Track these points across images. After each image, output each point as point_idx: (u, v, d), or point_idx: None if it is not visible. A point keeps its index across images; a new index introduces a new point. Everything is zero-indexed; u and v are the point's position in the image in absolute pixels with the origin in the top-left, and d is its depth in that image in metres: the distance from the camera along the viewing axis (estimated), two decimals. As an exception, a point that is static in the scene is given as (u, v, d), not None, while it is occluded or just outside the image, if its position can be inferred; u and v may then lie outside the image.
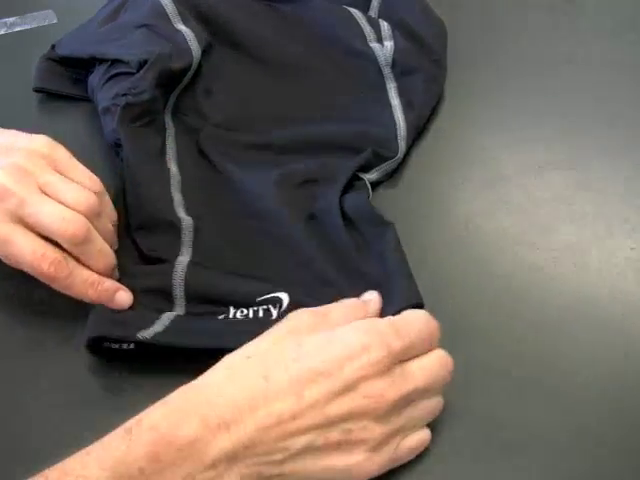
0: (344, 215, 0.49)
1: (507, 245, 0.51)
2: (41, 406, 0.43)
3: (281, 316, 0.44)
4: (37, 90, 0.60)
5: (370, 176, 0.54)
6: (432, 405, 0.41)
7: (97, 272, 0.45)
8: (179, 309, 0.45)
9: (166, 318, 0.44)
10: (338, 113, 0.57)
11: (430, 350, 0.41)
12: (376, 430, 0.38)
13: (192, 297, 0.45)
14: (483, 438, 0.42)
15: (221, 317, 0.45)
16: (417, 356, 0.40)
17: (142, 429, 0.35)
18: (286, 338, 0.39)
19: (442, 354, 0.41)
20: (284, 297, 0.45)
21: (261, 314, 0.45)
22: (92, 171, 0.48)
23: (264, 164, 0.53)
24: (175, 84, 0.56)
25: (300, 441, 0.36)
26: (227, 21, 0.60)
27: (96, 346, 0.43)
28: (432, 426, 0.42)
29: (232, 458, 0.35)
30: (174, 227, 0.49)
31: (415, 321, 0.40)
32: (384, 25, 0.60)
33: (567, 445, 0.42)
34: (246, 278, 0.47)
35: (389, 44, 0.59)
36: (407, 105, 0.57)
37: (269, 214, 0.50)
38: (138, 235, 0.49)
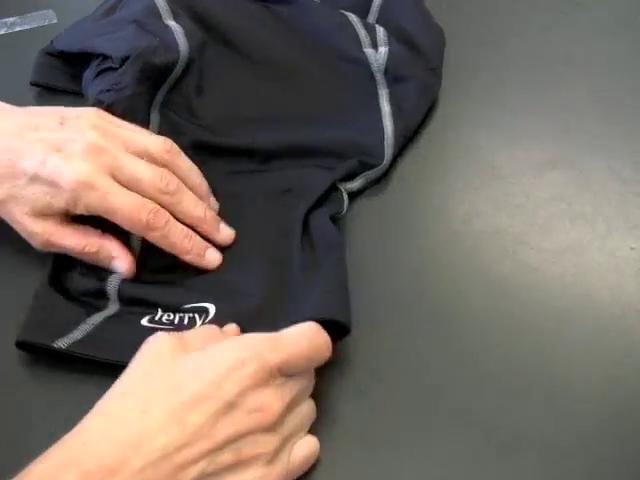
0: (307, 231, 0.49)
1: (507, 245, 0.51)
2: (41, 407, 0.43)
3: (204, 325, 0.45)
4: (34, 84, 0.60)
5: (353, 185, 0.54)
6: (309, 408, 0.41)
7: (200, 221, 0.48)
8: (112, 307, 0.46)
9: (90, 323, 0.45)
10: (326, 118, 0.57)
11: (316, 365, 0.41)
12: (267, 442, 0.37)
13: (124, 298, 0.46)
14: (483, 438, 0.42)
15: (147, 318, 0.45)
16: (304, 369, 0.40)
17: None
18: (155, 367, 0.38)
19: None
20: (211, 308, 0.45)
21: (186, 321, 0.45)
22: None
23: (243, 173, 0.54)
24: (162, 80, 0.56)
25: (192, 471, 0.35)
26: (222, 21, 0.60)
27: (28, 345, 0.44)
28: (432, 426, 0.42)
29: None
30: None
31: (298, 338, 0.40)
32: (380, 30, 0.60)
33: (567, 446, 0.42)
34: (177, 286, 0.48)
35: (383, 50, 0.59)
36: (397, 112, 0.57)
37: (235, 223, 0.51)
38: None
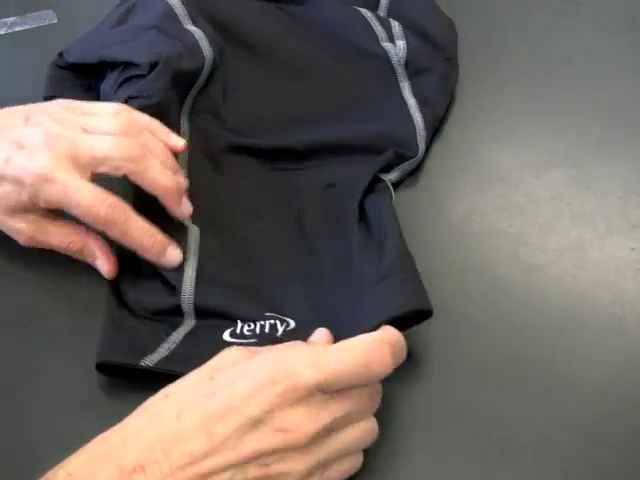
0: (364, 218, 0.49)
1: (507, 245, 0.51)
2: (41, 406, 0.43)
3: (286, 335, 0.44)
4: (48, 98, 0.59)
5: (390, 176, 0.54)
6: (361, 430, 0.39)
7: (165, 191, 0.47)
8: (189, 322, 0.45)
9: (172, 341, 0.44)
10: (355, 114, 0.57)
11: (367, 382, 0.39)
12: (298, 462, 0.36)
13: (201, 311, 0.45)
14: (483, 438, 0.42)
15: (228, 332, 0.44)
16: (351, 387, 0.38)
17: (58, 477, 0.34)
18: (206, 374, 0.38)
19: (378, 387, 0.40)
20: (292, 324, 0.45)
21: (267, 328, 0.44)
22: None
23: (281, 171, 0.54)
24: (190, 85, 0.56)
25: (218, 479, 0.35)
26: (237, 23, 0.60)
27: (107, 367, 0.43)
28: (432, 426, 0.42)
29: None
30: (180, 233, 0.48)
31: (347, 352, 0.38)
32: (395, 24, 0.60)
33: (567, 446, 0.42)
34: (253, 295, 0.46)
35: (401, 43, 0.59)
36: (423, 104, 0.57)
37: (278, 224, 0.50)
38: None
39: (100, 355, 0.43)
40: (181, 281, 0.46)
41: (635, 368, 0.45)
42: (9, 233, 0.47)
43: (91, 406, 0.43)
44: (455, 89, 0.60)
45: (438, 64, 0.59)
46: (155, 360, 0.42)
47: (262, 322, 0.44)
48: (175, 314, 0.46)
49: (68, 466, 0.34)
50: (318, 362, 0.37)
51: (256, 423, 0.36)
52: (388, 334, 0.40)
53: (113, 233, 0.46)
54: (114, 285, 0.47)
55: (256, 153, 0.55)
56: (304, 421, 0.36)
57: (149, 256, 0.46)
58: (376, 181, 0.52)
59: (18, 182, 0.44)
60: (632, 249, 0.51)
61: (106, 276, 0.47)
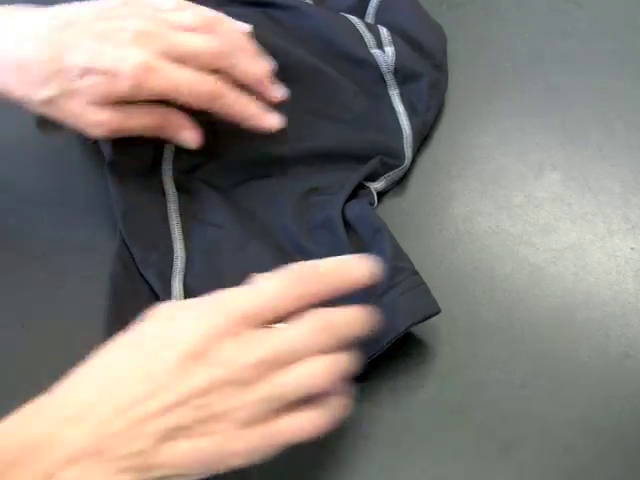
0: (347, 224, 0.49)
1: (507, 245, 0.51)
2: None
3: None
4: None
5: (377, 185, 0.53)
6: (310, 369, 0.37)
7: (257, 79, 0.49)
8: None
9: None
10: (343, 121, 0.56)
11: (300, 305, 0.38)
12: (239, 398, 0.35)
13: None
14: (483, 436, 0.42)
15: None
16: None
17: None
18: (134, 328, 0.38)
19: (326, 321, 0.38)
20: None
21: None
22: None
23: (267, 179, 0.53)
24: None
25: (158, 424, 0.34)
26: None
27: None
28: (432, 425, 0.42)
29: (94, 451, 0.34)
30: (167, 256, 0.49)
31: (280, 278, 0.38)
32: (383, 31, 0.59)
33: (567, 442, 0.42)
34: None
35: (390, 50, 0.58)
36: (412, 112, 0.57)
37: (272, 229, 0.50)
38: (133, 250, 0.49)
39: None
40: (169, 297, 0.46)
41: (635, 367, 0.45)
42: (85, 126, 0.47)
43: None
44: (454, 90, 0.60)
45: (426, 71, 0.58)
46: None
47: None
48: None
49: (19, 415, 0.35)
50: (251, 293, 0.37)
51: (193, 357, 0.35)
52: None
53: (220, 106, 0.48)
54: (113, 298, 0.47)
55: (233, 163, 0.54)
56: (240, 353, 0.36)
57: (252, 122, 0.49)
58: (359, 188, 0.52)
59: (110, 74, 0.45)
60: (632, 249, 0.51)
61: (193, 145, 0.49)
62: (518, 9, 0.66)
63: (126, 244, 0.49)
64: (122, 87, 0.45)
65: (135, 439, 0.34)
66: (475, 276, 0.49)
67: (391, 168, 0.54)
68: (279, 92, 0.51)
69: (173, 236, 0.50)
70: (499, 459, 0.41)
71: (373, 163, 0.53)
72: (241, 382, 0.35)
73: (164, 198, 0.51)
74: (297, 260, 0.41)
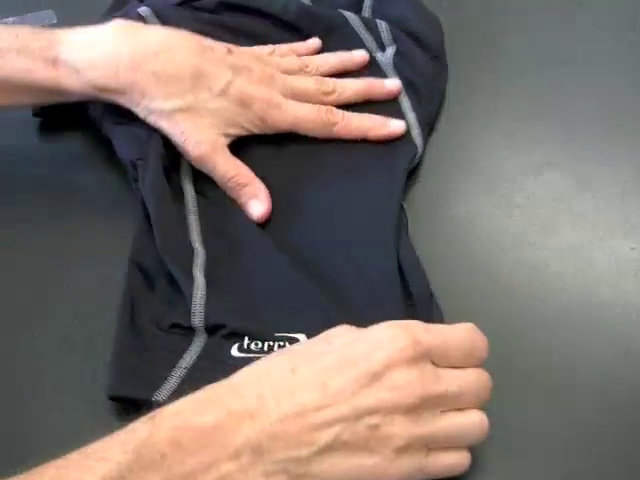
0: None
1: (507, 245, 0.51)
2: (41, 406, 0.43)
3: None
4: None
5: None
6: (470, 420, 0.38)
7: (359, 96, 0.56)
8: (199, 341, 0.45)
9: (183, 367, 0.43)
10: None
11: (470, 366, 0.39)
12: (404, 426, 0.36)
13: (209, 326, 0.45)
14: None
15: (236, 346, 0.44)
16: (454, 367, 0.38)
17: (164, 415, 0.35)
18: (322, 339, 0.39)
19: (481, 372, 0.39)
20: (302, 338, 0.44)
21: (276, 349, 0.44)
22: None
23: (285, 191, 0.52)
24: None
25: (326, 434, 0.35)
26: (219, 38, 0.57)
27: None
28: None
29: (256, 450, 0.35)
30: (188, 255, 0.48)
31: (454, 329, 0.39)
32: (383, 28, 0.60)
33: (567, 445, 0.42)
34: (263, 310, 0.46)
35: (390, 50, 0.59)
36: (416, 103, 0.57)
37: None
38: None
39: (114, 389, 0.42)
40: (191, 299, 0.46)
41: (636, 367, 0.45)
42: (187, 142, 0.50)
43: (92, 406, 0.43)
44: (455, 90, 0.60)
45: (425, 64, 0.59)
46: (166, 394, 0.42)
47: (271, 342, 0.44)
48: (188, 331, 0.45)
49: (175, 406, 0.35)
50: (434, 330, 0.38)
51: (372, 378, 0.36)
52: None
53: (338, 131, 0.53)
54: (126, 303, 0.46)
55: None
56: (417, 382, 0.36)
57: (374, 133, 0.54)
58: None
59: (240, 104, 0.51)
60: (632, 249, 0.51)
61: (257, 218, 0.50)
62: (518, 9, 0.66)
63: (142, 243, 0.49)
64: (247, 119, 0.51)
65: (300, 445, 0.35)
66: (476, 276, 0.49)
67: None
68: (391, 84, 0.56)
69: (190, 229, 0.50)
70: (498, 463, 0.41)
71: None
72: (411, 411, 0.36)
73: (182, 197, 0.51)
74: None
